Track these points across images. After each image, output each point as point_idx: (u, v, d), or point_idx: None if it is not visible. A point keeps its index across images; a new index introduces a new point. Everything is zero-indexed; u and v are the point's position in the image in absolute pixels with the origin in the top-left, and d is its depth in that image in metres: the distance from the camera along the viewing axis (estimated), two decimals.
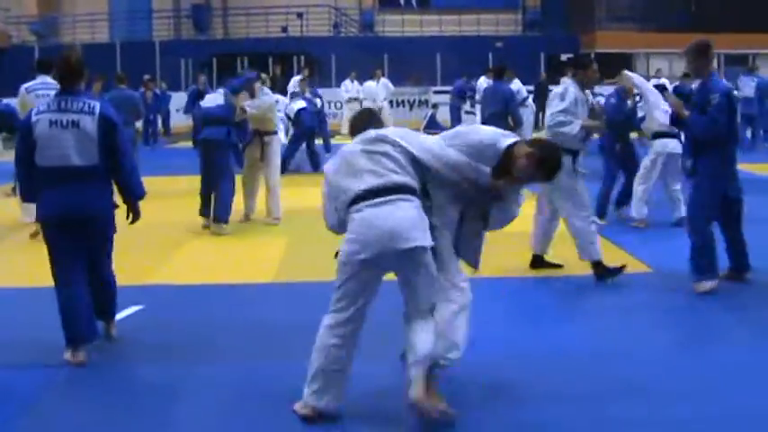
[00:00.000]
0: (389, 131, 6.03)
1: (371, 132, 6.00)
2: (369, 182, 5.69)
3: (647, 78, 30.14)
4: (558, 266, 10.09)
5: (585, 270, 9.86)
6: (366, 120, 6.42)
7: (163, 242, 12.11)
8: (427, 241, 5.64)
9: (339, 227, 5.92)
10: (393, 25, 41.96)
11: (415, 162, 5.80)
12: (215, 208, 12.94)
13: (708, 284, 8.88)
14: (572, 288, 9.58)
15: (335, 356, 5.78)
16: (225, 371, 6.91)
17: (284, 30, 40.59)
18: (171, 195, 16.68)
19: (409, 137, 5.95)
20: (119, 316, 8.16)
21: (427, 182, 5.86)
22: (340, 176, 5.85)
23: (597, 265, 9.52)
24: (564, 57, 38.59)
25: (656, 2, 42.51)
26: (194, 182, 16.47)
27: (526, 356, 7.12)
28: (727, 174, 9.08)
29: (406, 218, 5.60)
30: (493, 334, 7.40)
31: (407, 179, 5.74)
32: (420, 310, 5.78)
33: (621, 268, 9.53)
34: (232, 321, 8.24)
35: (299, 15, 40.36)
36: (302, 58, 36.21)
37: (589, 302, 9.25)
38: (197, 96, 21.67)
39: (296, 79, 25.60)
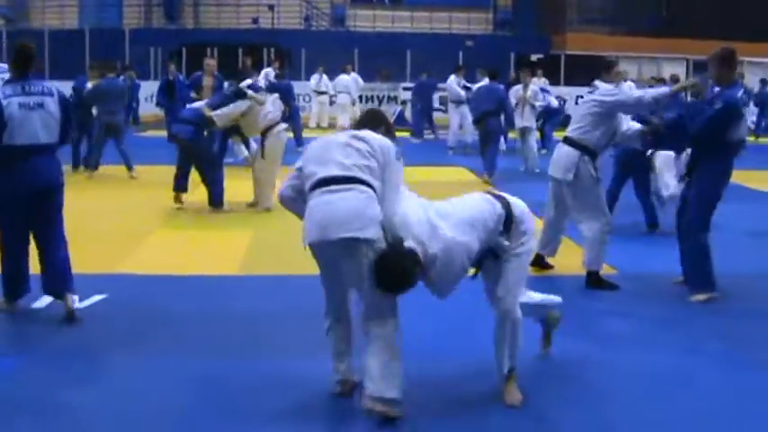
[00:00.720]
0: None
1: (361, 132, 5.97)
2: (331, 171, 5.68)
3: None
4: (549, 267, 10.10)
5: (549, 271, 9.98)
6: (370, 118, 6.35)
7: (129, 231, 12.06)
8: (366, 234, 5.52)
9: (289, 201, 6.08)
10: (364, 20, 41.95)
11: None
12: (208, 197, 13.74)
13: (703, 296, 8.87)
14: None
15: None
16: (185, 362, 6.87)
17: (255, 21, 40.49)
18: (139, 185, 16.69)
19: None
20: (82, 304, 8.16)
21: None
22: (311, 161, 5.85)
23: (594, 274, 9.43)
24: (534, 57, 38.78)
25: (628, 5, 42.72)
26: (163, 172, 16.49)
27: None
28: (725, 182, 9.07)
29: (346, 207, 5.54)
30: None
31: (370, 178, 5.67)
32: (365, 320, 5.73)
33: (615, 286, 9.40)
34: (195, 312, 8.22)
35: (271, 7, 40.26)
36: (272, 50, 36.13)
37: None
38: (167, 87, 21.44)
39: (267, 71, 25.49)
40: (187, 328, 7.74)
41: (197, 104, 14.35)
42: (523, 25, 41.60)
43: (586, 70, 39.42)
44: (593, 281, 9.39)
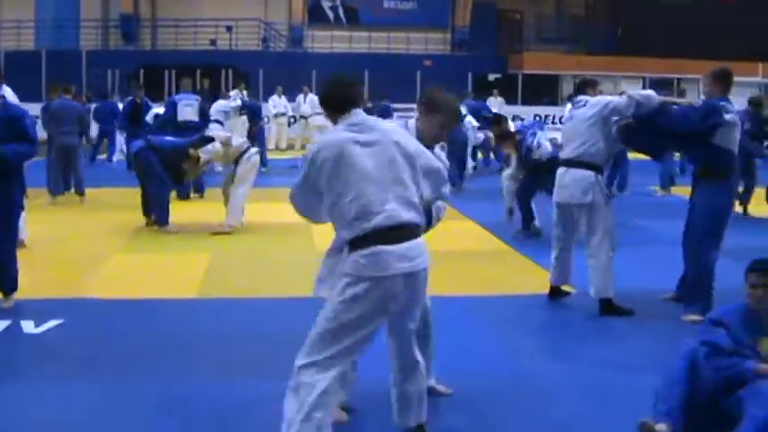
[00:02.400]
0: None
1: None
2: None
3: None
4: (567, 294, 9.86)
5: (513, 290, 10.02)
6: None
7: (87, 256, 11.96)
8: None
9: None
10: (322, 41, 41.96)
11: None
12: (155, 216, 14.19)
13: (697, 317, 8.66)
14: (491, 308, 9.50)
15: None
16: (143, 387, 6.81)
17: (213, 43, 40.43)
18: (96, 208, 16.59)
19: None
20: (38, 329, 8.14)
21: None
22: None
23: (607, 301, 9.18)
24: (491, 77, 39.00)
25: (584, 25, 43.16)
26: (119, 194, 16.46)
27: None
28: (726, 198, 9.19)
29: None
30: None
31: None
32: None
33: (630, 311, 9.15)
34: (153, 336, 8.18)
35: (228, 29, 40.23)
36: (230, 71, 36.07)
37: (505, 322, 9.07)
38: (133, 110, 21.07)
39: (234, 93, 25.43)
40: (145, 353, 7.69)
41: (172, 138, 14.80)
42: (481, 45, 41.79)
43: (543, 89, 40.01)
44: (607, 308, 9.15)
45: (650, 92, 9.30)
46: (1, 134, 8.68)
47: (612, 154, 9.64)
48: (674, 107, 9.27)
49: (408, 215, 5.11)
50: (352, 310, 5.03)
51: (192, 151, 13.99)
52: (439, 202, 5.89)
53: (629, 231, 12.47)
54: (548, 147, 13.28)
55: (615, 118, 9.16)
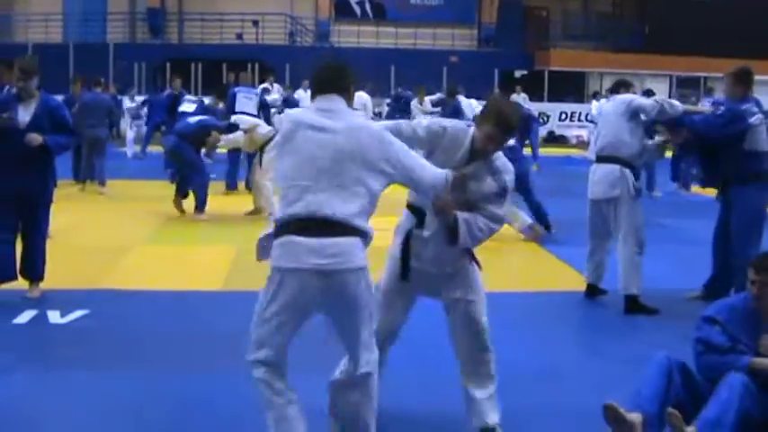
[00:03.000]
0: None
1: None
2: None
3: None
4: (604, 292, 9.73)
5: (531, 287, 9.99)
6: None
7: (113, 246, 12.02)
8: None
9: None
10: (348, 36, 41.94)
11: None
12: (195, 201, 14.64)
13: None
14: (520, 304, 9.47)
15: None
16: (167, 379, 6.84)
17: (239, 37, 40.46)
18: (124, 199, 16.65)
19: None
20: (64, 319, 8.18)
21: None
22: None
23: (633, 299, 9.16)
24: (518, 73, 38.87)
25: (611, 22, 42.95)
26: (145, 186, 16.55)
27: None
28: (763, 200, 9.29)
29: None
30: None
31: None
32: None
33: (655, 310, 9.13)
34: (178, 329, 8.19)
35: (255, 23, 40.27)
36: (257, 65, 36.12)
37: (531, 320, 9.04)
38: (172, 104, 20.79)
39: (276, 87, 25.60)
40: (169, 345, 7.71)
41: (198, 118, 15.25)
42: (507, 42, 41.69)
43: (570, 86, 39.87)
44: (632, 306, 9.12)
45: (676, 102, 9.33)
46: (42, 125, 8.80)
47: (643, 151, 9.48)
48: (697, 116, 9.30)
49: (339, 210, 4.80)
50: (270, 304, 4.97)
51: (214, 134, 14.65)
52: (479, 220, 5.51)
53: (653, 230, 12.38)
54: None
55: (643, 117, 9.15)
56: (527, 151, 22.80)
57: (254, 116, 16.97)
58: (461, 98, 22.55)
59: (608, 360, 7.70)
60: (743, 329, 5.53)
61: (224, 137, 14.90)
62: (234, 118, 15.70)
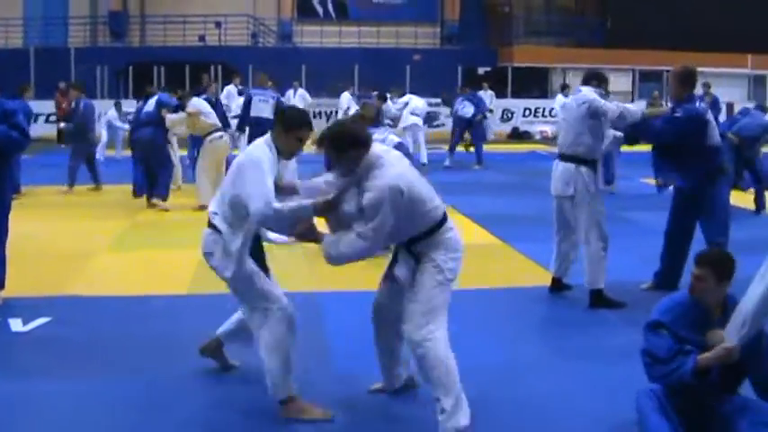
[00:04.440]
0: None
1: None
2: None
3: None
4: (568, 288, 9.81)
5: (495, 283, 10.01)
6: None
7: (76, 253, 11.93)
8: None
9: None
10: (311, 36, 41.90)
11: None
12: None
13: None
14: (483, 300, 9.49)
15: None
16: (131, 385, 6.78)
17: (202, 39, 40.31)
18: (87, 205, 16.57)
19: None
20: (26, 327, 8.12)
21: None
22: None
23: (597, 293, 9.20)
24: (481, 70, 38.96)
25: (573, 18, 43.11)
26: (111, 192, 16.49)
27: None
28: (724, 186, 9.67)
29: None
30: None
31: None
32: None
33: (621, 304, 9.15)
34: (142, 334, 8.14)
35: (218, 24, 40.14)
36: (219, 67, 36.01)
37: (495, 316, 9.08)
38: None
39: (230, 89, 25.36)
40: (133, 350, 7.66)
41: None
42: (470, 39, 41.77)
43: (533, 82, 40.00)
44: (596, 300, 9.16)
45: (634, 108, 9.49)
46: None
47: (602, 150, 9.59)
48: (655, 122, 9.40)
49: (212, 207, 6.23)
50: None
51: (163, 111, 16.06)
52: (344, 238, 5.74)
53: (617, 224, 12.41)
54: None
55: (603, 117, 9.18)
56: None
57: (272, 121, 16.62)
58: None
59: (571, 354, 7.73)
60: (691, 326, 5.54)
61: (169, 116, 15.93)
62: (192, 103, 15.83)
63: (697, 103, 9.47)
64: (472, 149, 24.92)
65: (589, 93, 9.28)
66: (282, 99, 19.59)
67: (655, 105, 14.43)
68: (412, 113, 23.58)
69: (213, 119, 15.76)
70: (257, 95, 17.77)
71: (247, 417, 6.20)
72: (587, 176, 9.10)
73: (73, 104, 18.70)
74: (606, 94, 9.34)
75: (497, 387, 6.79)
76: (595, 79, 9.57)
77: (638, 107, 9.73)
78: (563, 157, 9.31)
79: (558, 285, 9.78)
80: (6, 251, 9.16)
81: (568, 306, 9.36)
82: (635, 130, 9.54)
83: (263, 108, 17.35)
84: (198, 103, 15.74)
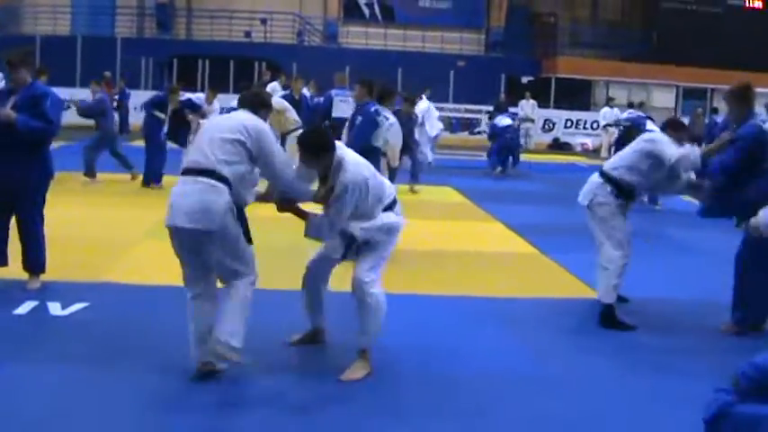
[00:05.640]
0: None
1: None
2: (192, 160, 6.62)
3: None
4: (626, 300, 9.41)
5: (527, 293, 10.01)
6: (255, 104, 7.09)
7: (115, 240, 12.04)
8: (211, 226, 6.40)
9: None
10: (357, 37, 42.00)
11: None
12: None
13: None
14: (517, 310, 9.47)
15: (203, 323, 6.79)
16: (166, 375, 6.82)
17: (247, 35, 40.50)
18: (127, 193, 16.68)
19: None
20: (64, 311, 8.19)
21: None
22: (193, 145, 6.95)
23: (606, 309, 8.90)
24: (525, 79, 38.90)
25: (618, 31, 42.93)
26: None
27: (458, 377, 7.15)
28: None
29: (192, 201, 6.44)
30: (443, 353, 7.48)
31: (224, 168, 6.46)
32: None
33: (631, 327, 8.80)
34: (179, 323, 8.16)
35: (263, 21, 40.29)
36: (264, 64, 36.13)
37: (530, 326, 8.98)
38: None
39: (274, 86, 25.34)
40: (170, 339, 7.69)
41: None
42: (515, 47, 41.71)
43: (576, 94, 39.89)
44: (605, 318, 8.85)
45: (695, 154, 8.82)
46: (20, 112, 8.80)
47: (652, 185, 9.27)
48: (715, 161, 8.80)
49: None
50: None
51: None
52: (324, 219, 6.90)
53: (658, 241, 12.39)
54: None
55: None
56: None
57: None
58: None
59: (602, 367, 7.69)
60: None
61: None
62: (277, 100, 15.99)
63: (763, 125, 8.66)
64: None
65: (660, 135, 9.10)
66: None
67: (697, 123, 14.08)
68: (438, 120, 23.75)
69: (296, 115, 16.30)
70: (338, 95, 17.64)
71: (276, 405, 6.24)
72: (611, 193, 8.85)
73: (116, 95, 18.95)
74: (681, 143, 8.99)
75: (530, 397, 6.80)
76: (671, 128, 9.24)
77: (695, 152, 8.92)
78: (601, 173, 9.08)
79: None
80: (45, 236, 9.26)
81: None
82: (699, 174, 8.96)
83: (344, 108, 16.97)
84: (281, 101, 16.12)
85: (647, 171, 8.87)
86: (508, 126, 24.83)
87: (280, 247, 10.65)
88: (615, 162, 9.16)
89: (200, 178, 6.45)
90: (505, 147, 24.63)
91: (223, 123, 6.83)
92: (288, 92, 18.49)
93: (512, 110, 26.82)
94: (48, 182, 9.39)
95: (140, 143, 25.54)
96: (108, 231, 12.71)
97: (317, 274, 7.45)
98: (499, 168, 24.26)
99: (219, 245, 6.52)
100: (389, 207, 7.09)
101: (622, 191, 8.90)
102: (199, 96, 19.80)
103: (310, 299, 7.55)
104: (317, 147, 6.73)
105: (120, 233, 12.58)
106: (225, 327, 6.55)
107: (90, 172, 17.66)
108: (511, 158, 24.97)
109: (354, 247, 7.06)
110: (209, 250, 6.57)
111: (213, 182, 6.41)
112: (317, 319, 7.67)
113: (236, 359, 6.57)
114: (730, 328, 8.81)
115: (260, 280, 6.92)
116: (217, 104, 18.81)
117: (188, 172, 6.58)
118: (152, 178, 17.63)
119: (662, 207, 17.85)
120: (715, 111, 31.02)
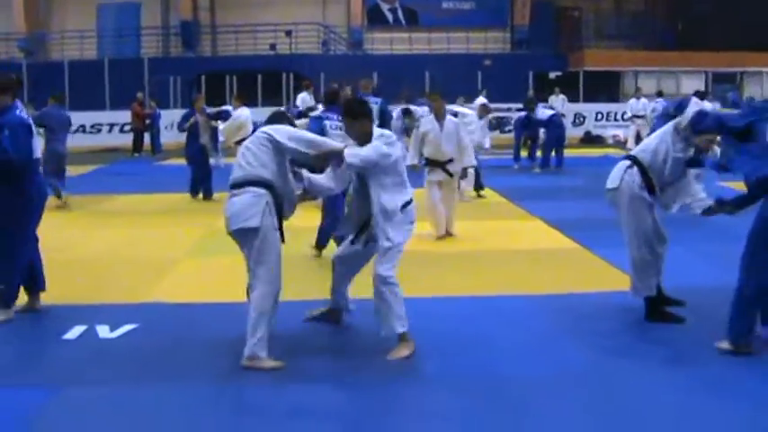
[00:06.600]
0: (270, 129, 7.61)
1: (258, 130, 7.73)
2: (234, 174, 7.56)
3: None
4: (680, 303, 8.94)
5: (579, 288, 9.95)
6: (275, 119, 8.01)
7: (158, 259, 12.06)
8: (247, 224, 7.38)
9: None
10: (382, 43, 42.01)
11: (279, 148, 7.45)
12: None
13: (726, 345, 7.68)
14: (565, 306, 9.36)
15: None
16: (221, 391, 6.85)
17: (273, 47, 40.56)
18: (164, 213, 16.72)
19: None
20: (114, 333, 8.22)
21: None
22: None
23: (648, 302, 8.67)
24: (552, 75, 38.79)
25: (643, 20, 42.73)
26: (188, 199, 16.65)
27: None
28: None
29: (239, 204, 7.42)
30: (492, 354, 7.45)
31: (259, 170, 7.41)
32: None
33: (679, 319, 8.57)
34: (229, 340, 8.16)
35: (288, 33, 40.34)
36: (291, 75, 36.19)
37: (580, 322, 8.81)
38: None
39: (303, 96, 25.35)
40: (221, 357, 7.70)
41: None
42: (541, 43, 41.56)
43: (605, 86, 39.71)
44: (648, 310, 8.64)
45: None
46: None
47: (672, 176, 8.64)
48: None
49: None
50: None
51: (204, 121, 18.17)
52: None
53: (696, 227, 12.19)
54: None
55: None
56: None
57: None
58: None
59: (656, 361, 7.59)
60: None
61: (221, 125, 17.85)
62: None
63: None
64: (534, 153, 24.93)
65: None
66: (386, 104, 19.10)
67: None
68: None
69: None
70: None
71: (331, 420, 6.23)
72: (636, 177, 8.55)
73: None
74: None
75: (578, 394, 6.78)
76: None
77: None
78: (628, 156, 8.87)
79: (664, 299, 8.97)
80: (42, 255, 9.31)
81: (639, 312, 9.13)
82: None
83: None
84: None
85: (664, 152, 8.47)
86: (553, 116, 24.62)
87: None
88: (642, 146, 8.99)
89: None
90: (553, 138, 24.39)
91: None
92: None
93: (542, 105, 26.52)
94: (28, 211, 9.01)
95: (174, 162, 25.85)
96: (150, 251, 12.75)
97: (343, 259, 8.29)
98: (537, 167, 24.14)
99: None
100: (406, 204, 7.76)
101: (647, 180, 8.58)
102: (228, 109, 19.87)
103: (332, 281, 8.41)
104: (356, 111, 7.90)
105: (162, 253, 12.61)
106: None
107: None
108: (554, 153, 24.63)
109: (367, 235, 7.92)
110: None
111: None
112: (335, 299, 8.49)
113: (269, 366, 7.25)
114: None
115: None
116: (245, 110, 18.83)
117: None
118: (194, 191, 18.32)
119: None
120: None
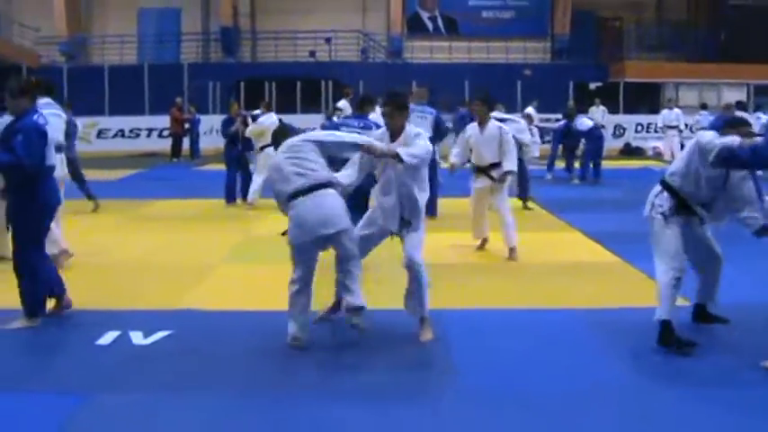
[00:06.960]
0: (301, 136, 8.24)
1: (288, 142, 8.16)
2: (296, 183, 7.90)
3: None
4: (724, 321, 8.81)
5: (620, 302, 9.77)
6: (284, 134, 8.44)
7: (193, 265, 12.00)
8: (345, 224, 7.99)
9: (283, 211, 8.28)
10: (421, 51, 41.94)
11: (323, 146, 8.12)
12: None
13: None
14: (607, 321, 9.18)
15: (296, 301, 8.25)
16: (254, 401, 6.75)
17: (312, 54, 40.59)
18: (201, 218, 16.70)
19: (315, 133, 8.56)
20: (147, 340, 8.14)
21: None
22: (276, 183, 8.09)
23: (662, 325, 8.20)
24: (593, 85, 38.59)
25: (685, 32, 42.42)
26: (220, 205, 16.59)
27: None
28: None
29: (330, 207, 7.92)
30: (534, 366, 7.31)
31: (324, 172, 8.01)
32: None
33: (692, 344, 8.11)
34: (262, 349, 8.08)
35: (327, 40, 40.38)
36: (330, 83, 36.17)
37: (622, 337, 8.66)
38: None
39: (345, 104, 25.21)
40: (256, 365, 7.62)
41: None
42: (581, 53, 41.34)
43: (646, 97, 39.45)
44: (662, 335, 8.16)
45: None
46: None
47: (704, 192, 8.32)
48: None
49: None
50: None
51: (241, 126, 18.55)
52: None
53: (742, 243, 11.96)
54: None
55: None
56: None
57: (431, 139, 14.36)
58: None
59: (692, 379, 7.42)
60: None
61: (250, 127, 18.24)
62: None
63: None
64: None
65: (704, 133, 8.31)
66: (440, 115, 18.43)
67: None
68: None
69: None
70: (414, 111, 16.83)
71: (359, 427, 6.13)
72: (666, 202, 8.29)
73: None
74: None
75: (614, 411, 6.67)
76: (729, 125, 8.29)
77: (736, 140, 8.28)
78: (661, 181, 8.50)
79: (702, 314, 8.93)
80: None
81: (695, 329, 8.96)
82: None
83: (421, 124, 14.88)
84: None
85: (694, 172, 8.15)
86: (593, 128, 24.42)
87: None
88: (672, 167, 8.56)
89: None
90: (593, 150, 24.16)
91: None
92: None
93: (582, 116, 26.29)
94: (41, 215, 8.93)
95: (212, 167, 25.88)
96: (186, 257, 12.71)
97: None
98: (576, 179, 23.98)
99: None
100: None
101: (680, 201, 8.31)
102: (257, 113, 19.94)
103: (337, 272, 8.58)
104: (403, 103, 8.62)
105: (199, 258, 12.56)
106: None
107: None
108: (592, 165, 24.35)
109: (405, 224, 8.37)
110: None
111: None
112: (339, 290, 8.76)
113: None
114: None
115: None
116: (272, 116, 18.73)
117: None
118: (229, 197, 18.48)
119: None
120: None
